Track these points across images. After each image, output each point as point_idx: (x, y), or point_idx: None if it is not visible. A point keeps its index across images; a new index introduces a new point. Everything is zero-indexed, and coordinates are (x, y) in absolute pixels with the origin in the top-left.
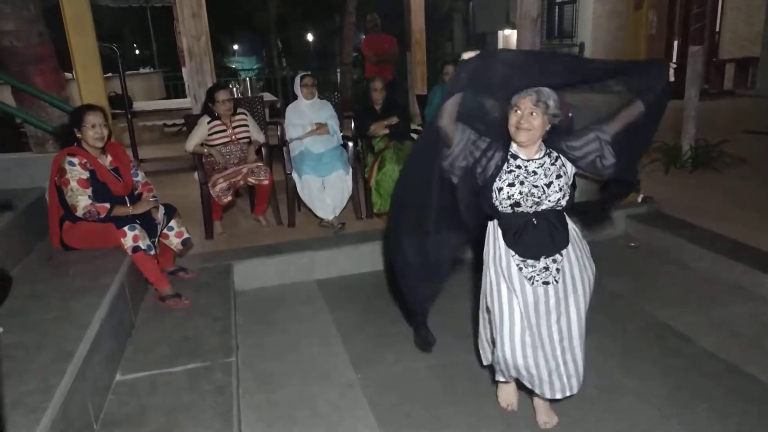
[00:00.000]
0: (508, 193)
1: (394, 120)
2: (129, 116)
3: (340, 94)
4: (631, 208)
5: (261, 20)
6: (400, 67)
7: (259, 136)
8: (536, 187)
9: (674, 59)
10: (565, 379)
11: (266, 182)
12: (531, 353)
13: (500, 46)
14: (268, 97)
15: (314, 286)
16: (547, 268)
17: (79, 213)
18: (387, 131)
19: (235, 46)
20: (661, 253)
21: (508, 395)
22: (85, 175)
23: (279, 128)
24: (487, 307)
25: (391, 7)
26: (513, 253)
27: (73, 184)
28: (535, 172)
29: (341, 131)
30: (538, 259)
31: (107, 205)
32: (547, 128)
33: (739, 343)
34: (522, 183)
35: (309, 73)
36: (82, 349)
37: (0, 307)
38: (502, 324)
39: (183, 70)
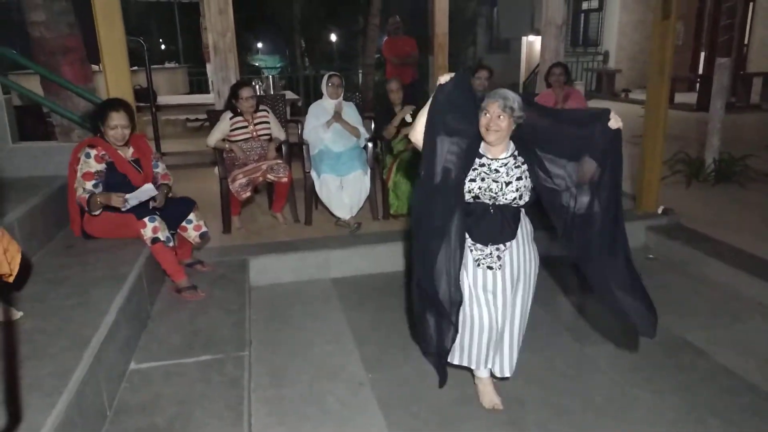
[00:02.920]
0: (469, 187)
1: (405, 113)
2: (153, 110)
3: (361, 94)
4: (651, 219)
5: (285, 19)
6: (422, 70)
7: (279, 134)
8: (496, 183)
9: (700, 71)
10: (498, 361)
11: (285, 179)
12: (468, 331)
13: (524, 52)
14: (289, 95)
15: (329, 285)
16: (491, 255)
17: (77, 201)
18: (397, 130)
19: (259, 44)
20: (680, 266)
21: (490, 396)
22: (96, 167)
23: (299, 126)
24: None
25: (415, 9)
26: (467, 235)
27: (79, 174)
28: (497, 171)
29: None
30: (485, 245)
31: (85, 196)
32: (513, 128)
33: (756, 360)
34: (483, 179)
35: (337, 73)
36: (99, 337)
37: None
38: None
39: (207, 65)
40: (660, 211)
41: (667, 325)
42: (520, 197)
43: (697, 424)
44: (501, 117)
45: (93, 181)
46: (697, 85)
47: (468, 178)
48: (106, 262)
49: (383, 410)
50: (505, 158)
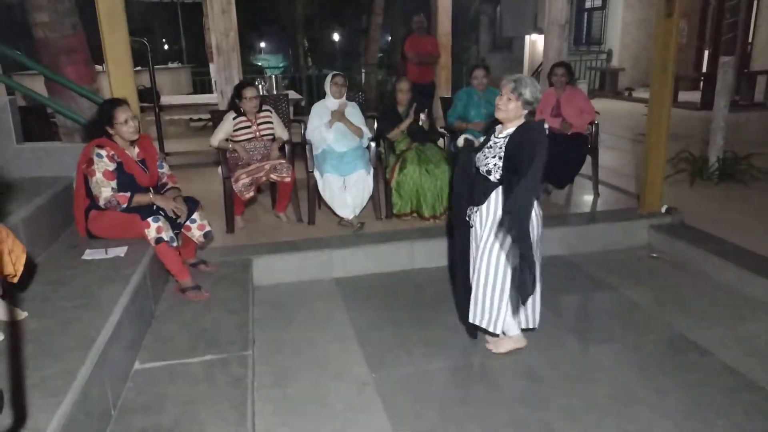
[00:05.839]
0: (485, 162)
1: (406, 123)
2: (156, 110)
3: (364, 94)
4: (654, 218)
5: (288, 19)
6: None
7: (282, 134)
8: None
9: (704, 69)
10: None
11: (288, 179)
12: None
13: (527, 51)
14: (292, 95)
15: (332, 284)
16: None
17: (101, 203)
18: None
19: (262, 44)
20: (683, 265)
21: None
22: (112, 166)
23: (302, 126)
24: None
25: (419, 10)
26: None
27: (99, 175)
28: (494, 147)
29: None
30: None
31: (127, 194)
32: (523, 113)
33: (760, 359)
34: (493, 155)
35: (341, 73)
36: (104, 336)
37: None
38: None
39: (210, 65)
40: (663, 209)
41: (670, 323)
42: (496, 169)
43: (701, 423)
44: (509, 99)
45: (114, 181)
46: (701, 83)
47: (487, 154)
48: (111, 263)
49: (387, 410)
50: (504, 137)
